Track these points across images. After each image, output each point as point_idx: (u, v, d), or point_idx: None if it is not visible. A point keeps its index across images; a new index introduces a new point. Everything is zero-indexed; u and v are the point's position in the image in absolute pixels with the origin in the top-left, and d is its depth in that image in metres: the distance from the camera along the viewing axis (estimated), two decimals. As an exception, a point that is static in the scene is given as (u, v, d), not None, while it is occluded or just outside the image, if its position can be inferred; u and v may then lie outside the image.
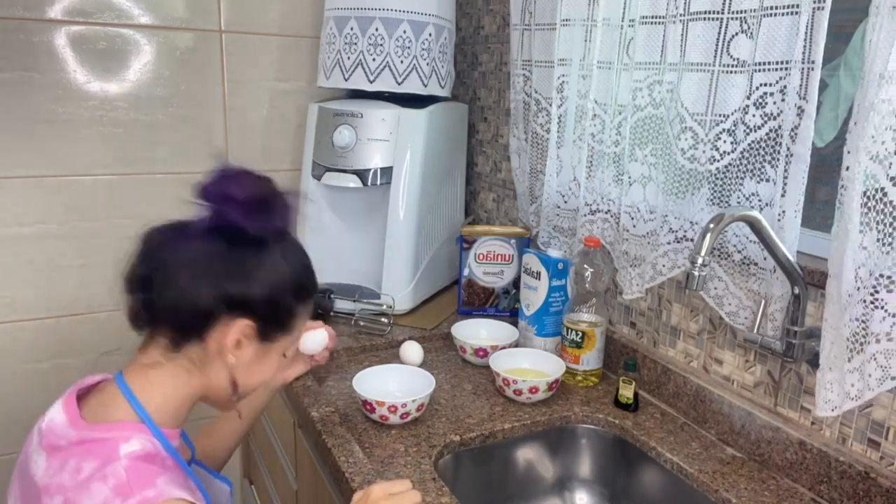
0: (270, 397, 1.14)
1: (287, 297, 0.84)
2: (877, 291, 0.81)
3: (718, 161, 1.02)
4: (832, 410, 0.87)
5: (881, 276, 0.80)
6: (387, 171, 1.56)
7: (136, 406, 0.78)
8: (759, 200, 0.99)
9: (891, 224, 0.79)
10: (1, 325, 1.69)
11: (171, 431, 0.80)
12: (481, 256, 1.56)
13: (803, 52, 0.89)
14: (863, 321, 0.82)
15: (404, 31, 1.56)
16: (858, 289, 0.82)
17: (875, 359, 0.82)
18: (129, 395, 0.79)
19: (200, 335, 0.80)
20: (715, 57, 1.00)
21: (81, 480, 0.72)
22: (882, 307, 0.81)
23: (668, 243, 1.13)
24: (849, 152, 0.80)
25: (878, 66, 0.76)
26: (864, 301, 0.82)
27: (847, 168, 0.80)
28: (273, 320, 0.84)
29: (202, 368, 0.82)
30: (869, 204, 0.80)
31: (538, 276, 1.36)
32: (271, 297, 0.82)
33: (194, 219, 0.81)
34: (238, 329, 0.80)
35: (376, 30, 1.55)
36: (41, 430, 0.80)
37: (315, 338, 1.14)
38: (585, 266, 1.28)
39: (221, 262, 0.79)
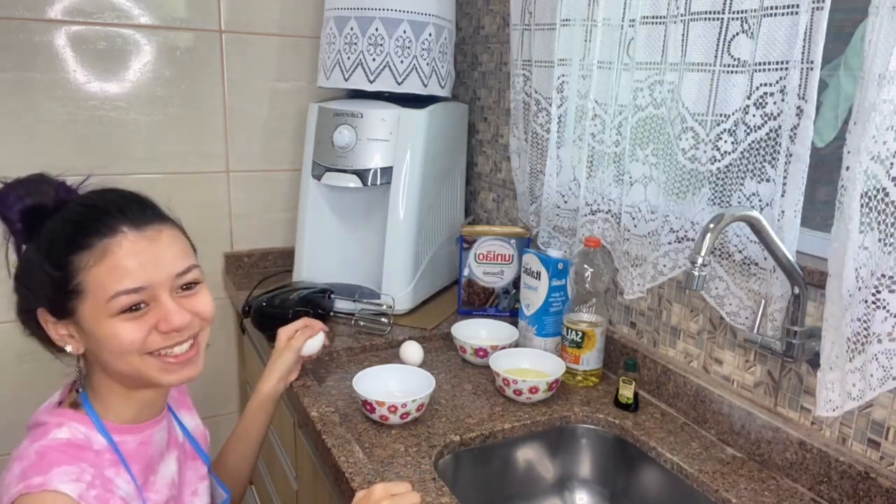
0: (275, 407, 1.15)
1: (46, 270, 0.77)
2: (878, 291, 0.81)
3: (719, 161, 1.02)
4: (833, 410, 0.87)
5: (883, 276, 0.80)
6: (387, 171, 1.56)
7: (83, 401, 0.83)
8: (760, 200, 0.99)
9: (892, 224, 0.79)
10: (1, 325, 1.69)
11: (122, 426, 0.83)
12: (481, 256, 1.56)
13: (803, 52, 0.89)
14: (864, 321, 0.82)
15: (404, 31, 1.56)
16: (860, 289, 0.82)
17: (877, 359, 0.82)
18: (82, 393, 0.84)
19: (49, 340, 0.82)
20: (716, 57, 1.00)
21: (13, 457, 0.77)
22: (884, 307, 0.81)
23: (669, 243, 1.13)
24: (849, 152, 0.80)
25: (877, 66, 0.76)
26: (866, 301, 0.82)
27: (847, 168, 0.80)
28: (54, 297, 0.78)
29: (94, 362, 0.83)
30: (870, 204, 0.80)
31: (538, 276, 1.36)
32: (28, 278, 0.81)
33: None
34: (43, 321, 0.80)
35: (376, 30, 1.55)
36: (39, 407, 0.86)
37: (314, 343, 1.20)
38: (585, 266, 1.28)
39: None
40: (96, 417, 0.81)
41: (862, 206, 0.80)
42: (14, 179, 0.80)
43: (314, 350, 1.21)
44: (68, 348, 0.81)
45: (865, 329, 0.82)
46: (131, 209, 0.81)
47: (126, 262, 0.77)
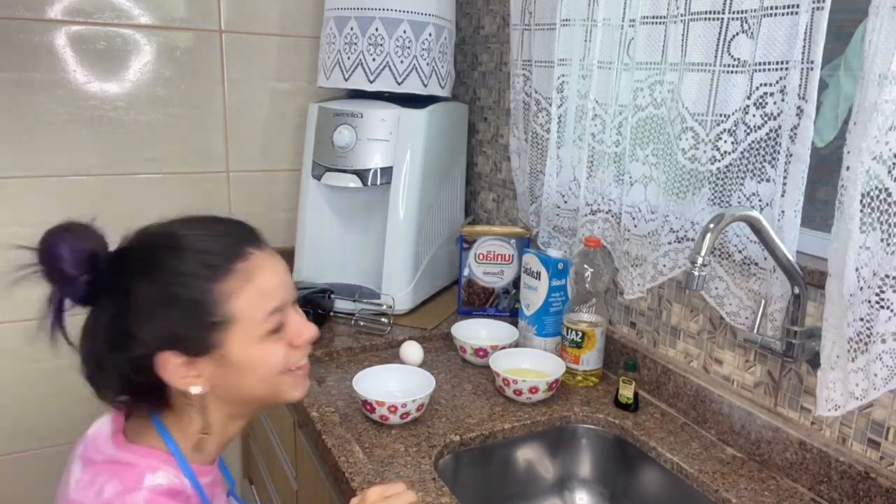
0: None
1: (171, 310, 0.73)
2: (882, 291, 0.81)
3: (719, 161, 1.02)
4: (835, 410, 0.87)
5: (887, 276, 0.80)
6: (387, 171, 1.56)
7: (168, 441, 0.75)
8: (760, 200, 0.99)
9: (895, 224, 0.79)
10: (1, 325, 1.69)
11: (202, 468, 0.78)
12: (481, 256, 1.56)
13: (803, 52, 0.89)
14: (867, 321, 0.82)
15: (404, 31, 1.56)
16: (861, 289, 0.82)
17: (881, 358, 0.82)
18: (160, 427, 0.76)
19: (155, 388, 0.75)
20: (716, 57, 1.00)
21: (101, 503, 0.71)
22: (888, 307, 0.81)
23: (669, 243, 1.13)
24: (849, 152, 0.80)
25: (878, 66, 0.76)
26: (869, 301, 0.82)
27: (847, 168, 0.80)
28: (184, 335, 0.73)
29: (194, 403, 0.76)
30: (872, 204, 0.80)
31: (538, 276, 1.36)
32: (154, 327, 0.73)
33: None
34: (166, 366, 0.73)
35: (376, 30, 1.55)
36: (87, 437, 0.78)
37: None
38: (585, 266, 1.28)
39: (104, 329, 0.74)
40: (183, 460, 0.75)
41: (864, 206, 0.80)
42: (56, 227, 0.74)
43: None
44: (195, 389, 0.74)
45: (868, 329, 0.82)
46: (243, 230, 0.80)
47: (268, 282, 0.77)
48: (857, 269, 0.82)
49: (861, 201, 0.80)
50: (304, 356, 0.82)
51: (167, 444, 0.76)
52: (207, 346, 0.74)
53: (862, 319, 0.83)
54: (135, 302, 0.73)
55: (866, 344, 0.83)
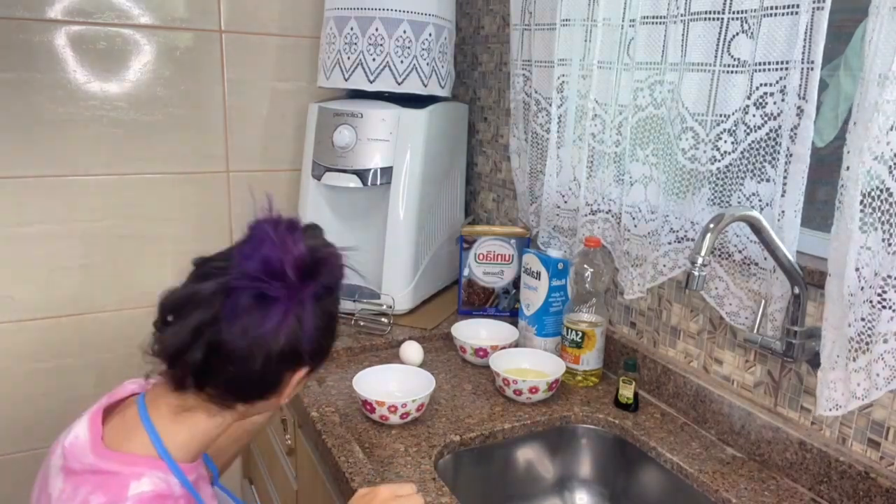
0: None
1: (335, 334, 0.85)
2: (884, 291, 0.81)
3: (719, 161, 1.02)
4: (836, 409, 0.87)
5: (888, 276, 0.80)
6: (387, 171, 1.56)
7: (156, 442, 0.76)
8: (760, 200, 0.99)
9: (896, 224, 0.79)
10: (1, 324, 1.69)
11: (190, 465, 0.78)
12: (481, 256, 1.56)
13: (803, 52, 0.89)
14: (869, 321, 0.82)
15: (404, 31, 1.56)
16: (862, 288, 0.82)
17: (883, 358, 0.82)
18: (151, 430, 0.76)
19: (271, 392, 0.80)
20: (715, 57, 1.00)
21: None
22: (890, 307, 0.81)
23: (669, 243, 1.13)
24: (849, 152, 0.80)
25: (878, 66, 0.76)
26: (871, 301, 0.82)
27: (847, 168, 0.80)
28: (322, 357, 0.84)
29: (244, 413, 0.82)
30: (874, 204, 0.80)
31: (538, 276, 1.36)
32: (326, 343, 0.83)
33: (240, 285, 0.75)
34: (297, 379, 0.81)
35: (376, 30, 1.55)
36: (64, 447, 0.77)
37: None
38: (585, 266, 1.28)
39: (287, 330, 0.76)
40: (172, 461, 0.76)
41: (864, 206, 0.80)
42: (328, 246, 0.82)
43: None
44: (286, 400, 0.84)
45: (870, 329, 0.82)
46: None
47: None
48: (857, 269, 0.82)
49: (862, 202, 0.80)
50: None
51: (155, 447, 0.75)
52: (318, 371, 0.86)
53: (863, 319, 0.83)
54: (317, 318, 0.78)
55: (867, 344, 0.83)
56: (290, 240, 0.76)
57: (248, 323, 0.73)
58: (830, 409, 0.87)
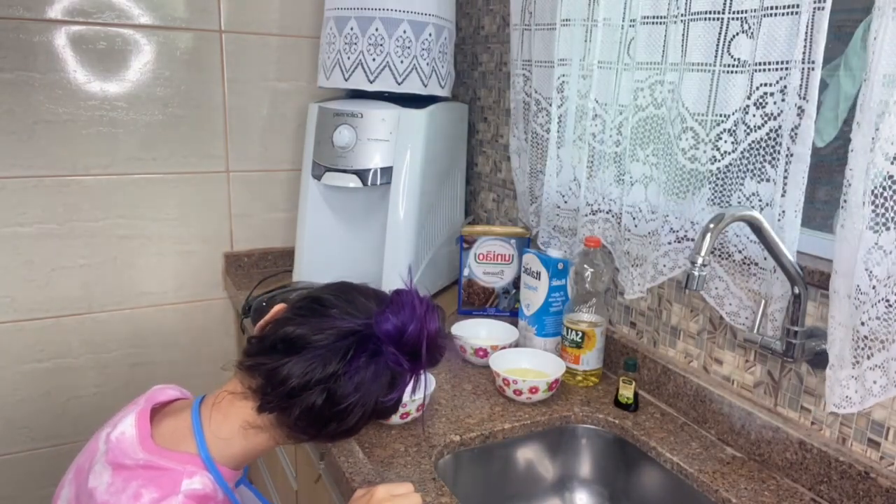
0: None
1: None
2: None
3: (719, 161, 1.02)
4: (850, 407, 0.87)
5: None
6: (387, 171, 1.56)
7: (200, 446, 0.78)
8: (760, 200, 0.99)
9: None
10: (1, 325, 1.69)
11: (230, 472, 0.80)
12: (481, 256, 1.56)
13: (803, 52, 0.89)
14: (885, 320, 0.82)
15: (404, 31, 1.56)
16: (874, 287, 0.82)
17: None
18: (199, 436, 0.78)
19: (332, 440, 0.83)
20: (716, 57, 1.00)
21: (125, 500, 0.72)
22: None
23: (669, 243, 1.13)
24: (853, 151, 0.80)
25: (882, 66, 0.76)
26: (887, 300, 0.82)
27: (851, 168, 0.81)
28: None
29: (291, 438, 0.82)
30: (886, 204, 0.79)
31: (538, 276, 1.36)
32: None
33: (368, 339, 0.79)
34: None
35: (376, 30, 1.55)
36: (110, 440, 0.79)
37: None
38: (585, 266, 1.28)
39: (394, 400, 0.82)
40: (215, 468, 0.78)
41: (877, 206, 0.80)
42: (446, 335, 0.86)
43: None
44: None
45: (886, 327, 0.82)
46: None
47: None
48: (867, 269, 0.82)
49: (875, 202, 0.80)
50: None
51: (200, 452, 0.78)
52: None
53: (878, 318, 0.82)
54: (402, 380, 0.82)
55: (883, 342, 0.83)
56: (429, 319, 0.80)
57: (365, 379, 0.77)
58: (844, 407, 0.87)
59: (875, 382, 0.84)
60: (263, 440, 0.81)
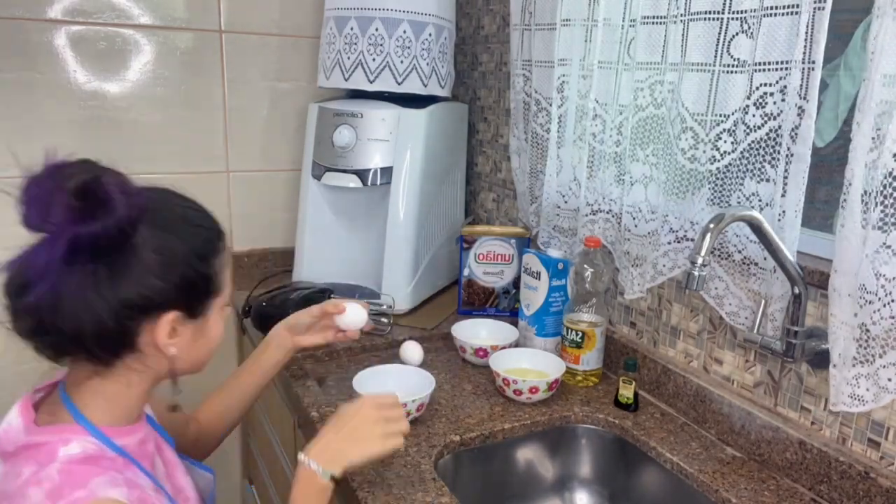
0: (287, 356, 1.16)
1: (195, 268, 0.79)
2: None
3: (719, 161, 1.02)
4: (861, 406, 0.86)
5: None
6: (387, 171, 1.56)
7: (73, 412, 0.78)
8: (760, 200, 0.99)
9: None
10: (0, 325, 1.68)
11: (120, 429, 0.80)
12: (481, 256, 1.56)
13: (804, 52, 0.89)
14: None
15: (404, 31, 1.56)
16: (883, 286, 0.82)
17: None
18: (68, 403, 0.79)
19: (126, 349, 0.77)
20: (715, 57, 1.00)
21: (19, 485, 0.72)
22: None
23: (669, 243, 1.13)
24: (853, 150, 0.80)
25: (882, 66, 0.76)
26: None
27: (852, 168, 0.81)
28: (195, 297, 0.80)
29: (145, 367, 0.80)
30: (895, 205, 0.79)
31: (538, 276, 1.36)
32: (179, 280, 0.77)
33: (40, 250, 0.74)
34: (165, 325, 0.77)
35: (376, 30, 1.55)
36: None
37: (357, 315, 1.14)
38: (585, 266, 1.28)
39: (104, 282, 0.73)
40: (93, 427, 0.77)
41: (886, 206, 0.80)
42: (105, 167, 0.80)
43: (354, 323, 1.14)
44: (173, 350, 0.79)
45: None
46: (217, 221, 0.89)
47: (230, 268, 0.88)
48: (874, 269, 0.82)
49: (883, 202, 0.80)
50: None
51: (73, 417, 0.77)
52: (203, 311, 0.82)
53: (893, 317, 0.82)
54: (162, 257, 0.76)
55: None
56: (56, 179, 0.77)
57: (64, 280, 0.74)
58: (854, 406, 0.87)
59: (890, 380, 0.84)
60: (101, 384, 0.79)
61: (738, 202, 1.02)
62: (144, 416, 0.88)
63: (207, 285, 0.81)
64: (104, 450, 0.77)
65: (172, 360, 0.80)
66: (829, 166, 1.03)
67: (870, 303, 0.83)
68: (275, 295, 1.47)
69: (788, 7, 0.90)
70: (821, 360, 0.96)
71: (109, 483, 0.72)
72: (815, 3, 0.87)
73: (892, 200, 0.79)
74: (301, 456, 0.90)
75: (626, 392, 1.20)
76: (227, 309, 0.88)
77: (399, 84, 1.58)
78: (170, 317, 0.77)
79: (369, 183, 1.55)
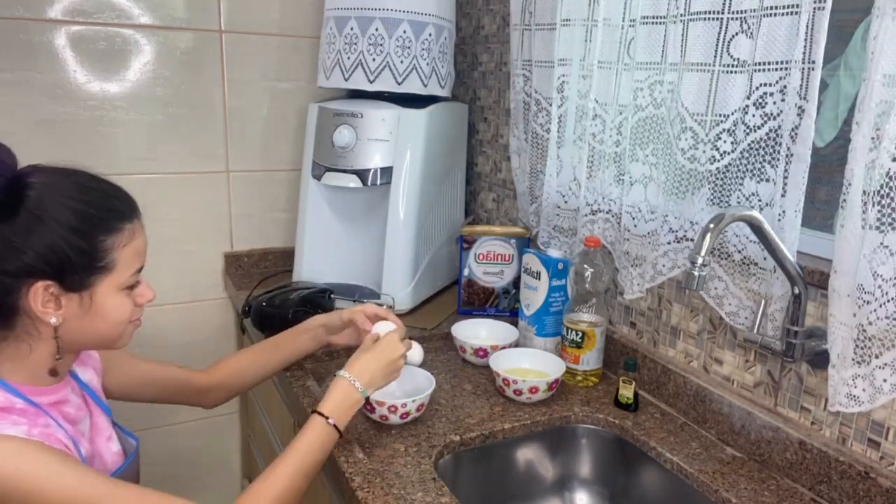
0: (316, 349, 1.28)
1: (68, 240, 0.81)
2: None
3: (718, 161, 1.02)
4: (858, 406, 0.86)
5: None
6: (387, 171, 1.56)
7: None
8: (759, 200, 0.99)
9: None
10: None
11: (36, 389, 0.86)
12: (481, 256, 1.56)
13: (804, 52, 0.89)
14: (894, 319, 0.82)
15: (404, 31, 1.56)
16: (880, 287, 0.82)
17: None
18: None
19: (13, 313, 0.82)
20: (715, 57, 1.00)
21: None
22: None
23: (669, 243, 1.13)
24: (853, 150, 0.80)
25: (882, 66, 0.76)
26: None
27: (851, 168, 0.81)
28: (70, 269, 0.82)
29: (38, 332, 0.84)
30: (893, 204, 0.79)
31: (538, 276, 1.36)
32: (45, 250, 0.80)
33: None
34: (36, 293, 0.81)
35: (376, 30, 1.55)
36: None
37: (418, 353, 1.21)
38: (585, 266, 1.28)
39: None
40: (4, 383, 0.83)
41: (883, 206, 0.80)
42: None
43: (415, 361, 1.21)
44: (53, 320, 0.83)
45: (895, 327, 0.82)
46: (132, 200, 0.92)
47: (141, 246, 0.91)
48: (872, 268, 0.82)
49: (880, 202, 0.80)
50: (141, 313, 0.95)
51: None
52: (83, 284, 0.84)
53: (888, 317, 0.82)
54: (28, 226, 0.80)
55: (893, 341, 0.82)
56: None
57: None
58: (851, 406, 0.87)
59: (885, 381, 0.84)
60: (25, 342, 0.84)
61: (738, 202, 1.02)
62: (68, 379, 0.93)
63: (84, 260, 0.83)
64: (14, 401, 0.82)
65: (56, 329, 0.84)
66: (829, 166, 1.03)
67: (867, 303, 0.83)
68: (274, 295, 1.47)
69: (788, 7, 0.90)
70: (821, 361, 0.96)
71: (11, 425, 0.79)
72: (815, 3, 0.86)
73: (888, 201, 0.79)
74: (343, 372, 1.03)
75: (626, 392, 1.20)
76: (145, 293, 0.92)
77: (399, 84, 1.58)
78: (39, 285, 0.80)
79: (369, 183, 1.55)
